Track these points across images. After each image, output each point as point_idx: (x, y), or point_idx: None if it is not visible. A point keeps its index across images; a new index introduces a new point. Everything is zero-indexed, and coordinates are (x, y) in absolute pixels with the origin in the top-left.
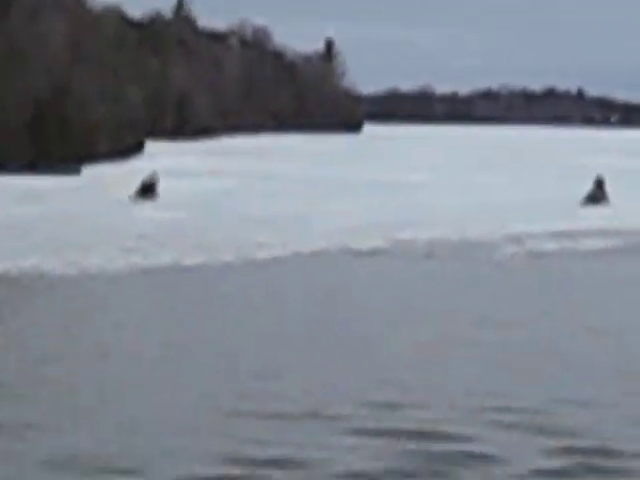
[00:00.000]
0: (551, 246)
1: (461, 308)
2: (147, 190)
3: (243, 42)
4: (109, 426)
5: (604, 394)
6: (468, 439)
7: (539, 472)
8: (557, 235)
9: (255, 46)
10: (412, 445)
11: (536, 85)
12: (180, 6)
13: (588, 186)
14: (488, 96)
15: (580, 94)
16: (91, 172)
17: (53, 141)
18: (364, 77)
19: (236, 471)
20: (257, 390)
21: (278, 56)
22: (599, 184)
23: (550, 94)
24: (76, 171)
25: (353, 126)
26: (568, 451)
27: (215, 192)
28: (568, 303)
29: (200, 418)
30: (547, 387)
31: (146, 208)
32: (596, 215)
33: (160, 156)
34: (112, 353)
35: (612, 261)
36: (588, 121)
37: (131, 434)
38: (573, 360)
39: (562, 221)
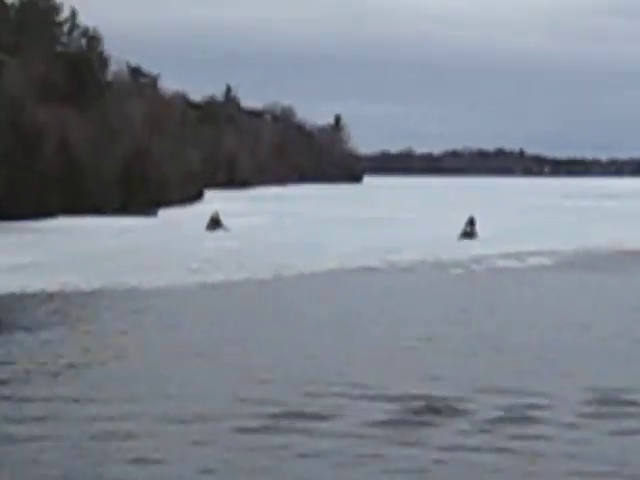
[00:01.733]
0: (500, 263)
1: (432, 308)
2: (215, 223)
3: (274, 117)
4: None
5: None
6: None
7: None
8: (505, 256)
9: (283, 120)
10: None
11: (489, 146)
12: (229, 91)
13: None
14: (454, 154)
15: (521, 152)
16: (165, 214)
17: (137, 191)
18: (363, 142)
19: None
20: (296, 366)
21: (300, 128)
22: (471, 222)
23: (500, 152)
24: (154, 213)
25: (355, 178)
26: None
27: (254, 227)
28: (509, 303)
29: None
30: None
31: (208, 238)
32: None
33: (215, 201)
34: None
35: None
36: (527, 172)
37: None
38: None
39: (510, 245)
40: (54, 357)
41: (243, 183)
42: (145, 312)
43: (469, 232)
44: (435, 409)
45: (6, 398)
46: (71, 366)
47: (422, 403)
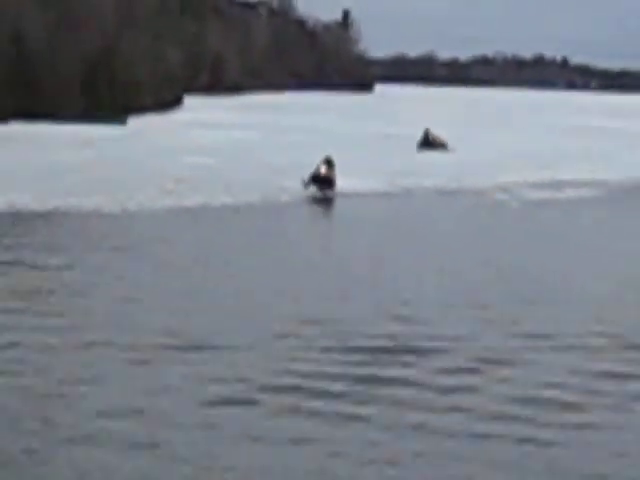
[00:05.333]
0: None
1: (442, 234)
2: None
3: (270, 11)
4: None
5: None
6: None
7: None
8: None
9: (281, 14)
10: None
11: (526, 53)
12: None
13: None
14: (484, 62)
15: (565, 62)
16: (136, 122)
17: (103, 95)
18: (376, 43)
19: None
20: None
21: (301, 24)
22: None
23: (538, 61)
24: (123, 121)
25: (365, 86)
26: None
27: (243, 142)
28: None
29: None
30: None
31: (185, 155)
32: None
33: (196, 109)
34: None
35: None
36: (571, 86)
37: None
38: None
39: (541, 172)
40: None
41: (231, 88)
42: (102, 239)
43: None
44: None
45: None
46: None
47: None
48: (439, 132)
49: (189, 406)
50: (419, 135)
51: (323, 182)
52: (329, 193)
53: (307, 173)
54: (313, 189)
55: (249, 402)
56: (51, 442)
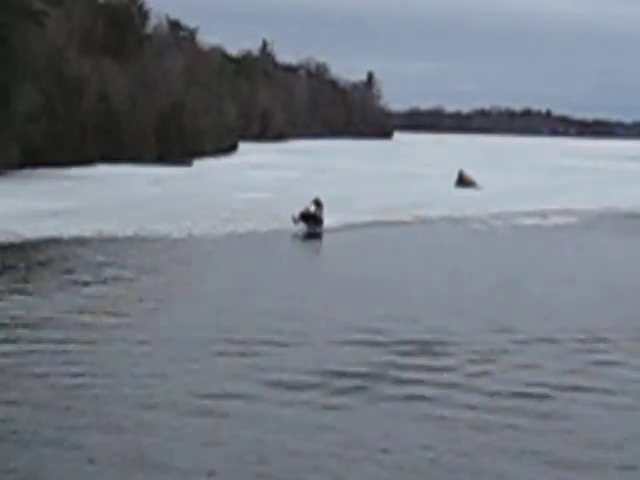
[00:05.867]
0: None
1: (450, 251)
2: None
3: (309, 73)
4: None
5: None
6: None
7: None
8: (530, 214)
9: (317, 76)
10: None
11: (517, 106)
12: (264, 46)
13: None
14: (482, 113)
15: (548, 113)
16: (199, 164)
17: (173, 142)
18: (395, 99)
19: None
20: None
21: (333, 84)
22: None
23: (527, 113)
24: (189, 163)
25: (386, 134)
26: None
27: (287, 179)
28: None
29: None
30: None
31: (239, 191)
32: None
33: (248, 153)
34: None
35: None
36: (554, 133)
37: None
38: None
39: (537, 203)
40: (89, 299)
41: (276, 136)
42: (175, 259)
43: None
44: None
45: (49, 341)
46: (106, 307)
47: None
48: (470, 173)
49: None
50: (436, 173)
51: (311, 219)
52: (317, 229)
53: (311, 208)
54: (302, 225)
55: (300, 387)
56: (168, 410)
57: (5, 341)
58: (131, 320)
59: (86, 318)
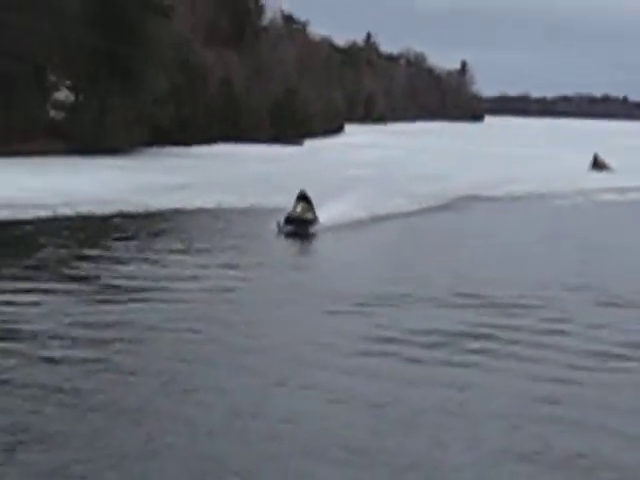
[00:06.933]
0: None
1: (535, 223)
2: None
3: (408, 62)
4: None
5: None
6: None
7: None
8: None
9: (415, 65)
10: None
11: (597, 92)
12: (368, 38)
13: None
14: (565, 99)
15: (625, 99)
16: (309, 144)
17: (286, 124)
18: (485, 85)
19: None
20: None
21: (430, 71)
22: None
23: (606, 99)
24: (300, 143)
25: (477, 117)
26: None
27: (388, 157)
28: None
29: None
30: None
31: (347, 167)
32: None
33: (353, 134)
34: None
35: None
36: (630, 117)
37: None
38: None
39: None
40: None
41: (378, 119)
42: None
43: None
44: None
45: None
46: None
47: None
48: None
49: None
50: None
51: (300, 223)
52: (309, 230)
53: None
54: (289, 229)
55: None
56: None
57: (133, 299)
58: (246, 283)
59: (208, 280)
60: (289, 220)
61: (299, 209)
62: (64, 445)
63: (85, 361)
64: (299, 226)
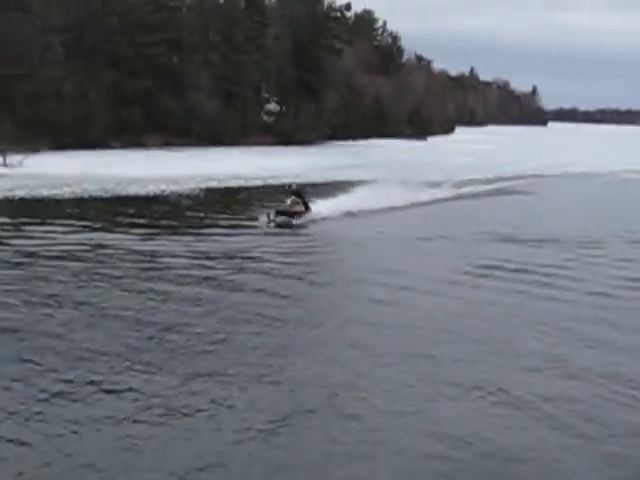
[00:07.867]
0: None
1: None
2: None
3: (497, 86)
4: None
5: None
6: None
7: None
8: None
9: (502, 88)
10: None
11: (623, 107)
12: (472, 70)
13: None
14: (601, 112)
15: None
16: (431, 140)
17: (417, 126)
18: (548, 102)
19: None
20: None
21: (512, 93)
22: None
23: (632, 112)
24: (425, 139)
25: (543, 122)
26: None
27: (487, 150)
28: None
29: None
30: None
31: (458, 155)
32: None
33: (462, 134)
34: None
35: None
36: None
37: None
38: None
39: None
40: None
41: (478, 123)
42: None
43: None
44: None
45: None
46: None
47: None
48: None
49: None
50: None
51: (286, 215)
52: (293, 222)
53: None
54: (280, 219)
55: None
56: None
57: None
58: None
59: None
60: (278, 212)
61: (288, 202)
62: None
63: None
64: (286, 217)
